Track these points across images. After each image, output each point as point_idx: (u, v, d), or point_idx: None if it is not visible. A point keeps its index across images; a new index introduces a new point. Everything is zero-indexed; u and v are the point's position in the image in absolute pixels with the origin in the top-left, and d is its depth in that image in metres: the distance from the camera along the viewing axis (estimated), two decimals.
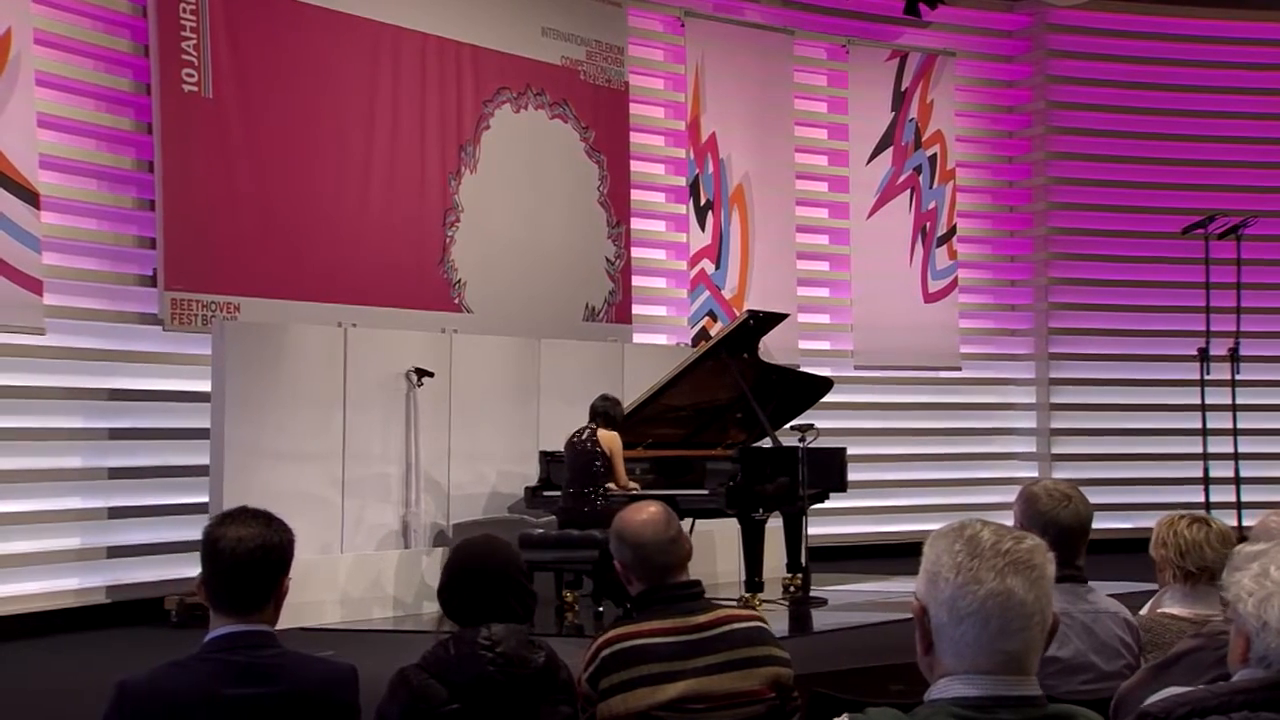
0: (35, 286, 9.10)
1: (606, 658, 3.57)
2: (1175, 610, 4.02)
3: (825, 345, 14.20)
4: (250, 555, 3.16)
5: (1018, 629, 2.11)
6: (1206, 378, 11.07)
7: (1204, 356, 10.93)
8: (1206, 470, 10.90)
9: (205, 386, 9.56)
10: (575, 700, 3.54)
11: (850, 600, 10.33)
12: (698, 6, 13.59)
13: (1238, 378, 11.22)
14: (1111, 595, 4.06)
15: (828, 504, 10.59)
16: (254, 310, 10.09)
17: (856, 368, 13.98)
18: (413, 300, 11.14)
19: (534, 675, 3.42)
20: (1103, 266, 14.83)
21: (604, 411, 9.46)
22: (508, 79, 12.04)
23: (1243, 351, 11.24)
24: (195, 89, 9.96)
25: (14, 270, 8.96)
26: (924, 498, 14.19)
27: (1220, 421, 11.35)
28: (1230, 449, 11.27)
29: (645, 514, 3.74)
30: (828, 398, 10.68)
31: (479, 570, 3.51)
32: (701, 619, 3.64)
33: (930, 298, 14.48)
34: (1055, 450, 14.66)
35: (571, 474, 9.40)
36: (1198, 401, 11.49)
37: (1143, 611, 4.16)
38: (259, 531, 3.20)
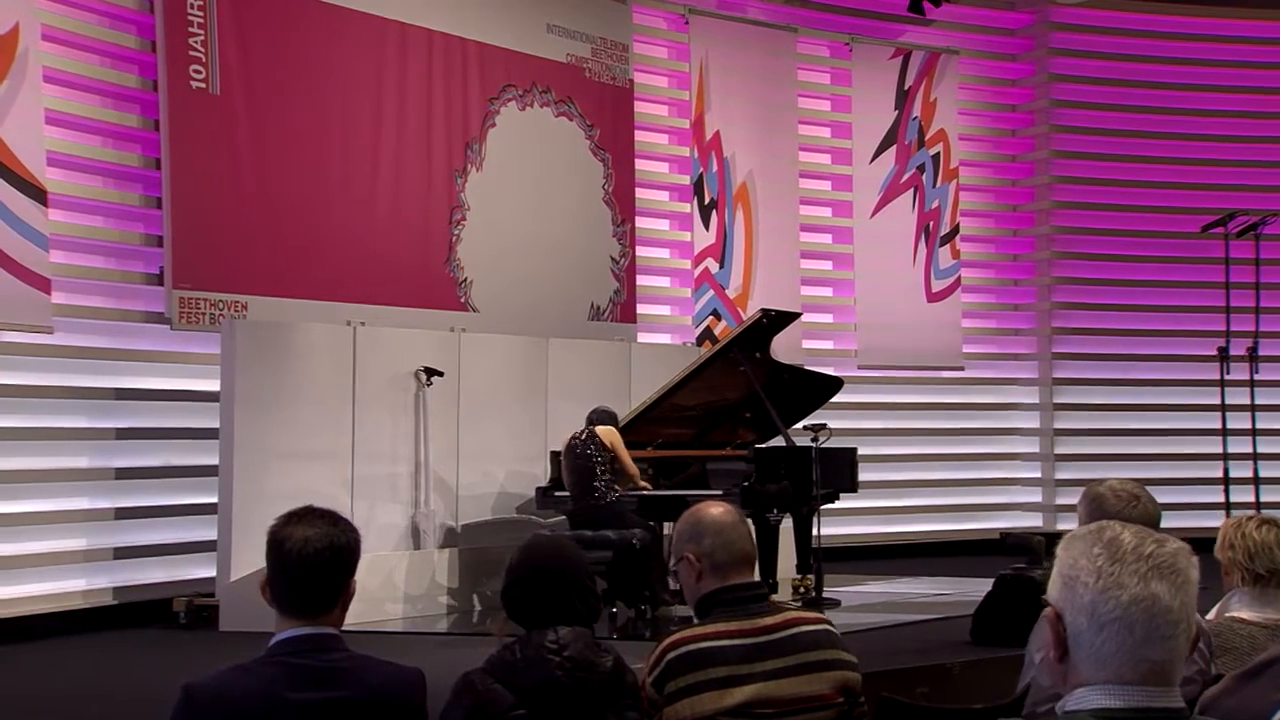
0: (43, 285, 9.00)
1: (672, 660, 3.48)
2: (1244, 614, 3.94)
3: (829, 345, 14.15)
4: (318, 556, 3.09)
5: (1163, 637, 2.02)
6: (1223, 377, 11.01)
7: (1224, 356, 10.86)
8: (1226, 471, 10.83)
9: (213, 386, 9.48)
10: (641, 705, 3.45)
11: (863, 601, 10.27)
12: (702, 4, 13.53)
13: (1256, 377, 11.17)
14: None
15: (832, 504, 10.51)
16: (262, 309, 10.00)
17: (860, 367, 13.92)
18: (419, 299, 11.07)
19: (602, 680, 3.34)
20: (1106, 266, 14.80)
21: (603, 420, 9.41)
22: (513, 76, 11.97)
23: (1261, 351, 11.17)
24: (203, 86, 9.87)
25: (22, 268, 8.86)
26: (925, 498, 14.17)
27: (1237, 422, 11.30)
28: (1248, 449, 11.20)
29: (720, 508, 3.67)
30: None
31: (544, 571, 3.42)
32: (768, 621, 3.54)
33: (933, 297, 14.44)
34: (1058, 450, 14.62)
35: (576, 478, 9.30)
36: (1205, 401, 11.43)
37: (1210, 615, 4.08)
38: (326, 531, 3.12)
